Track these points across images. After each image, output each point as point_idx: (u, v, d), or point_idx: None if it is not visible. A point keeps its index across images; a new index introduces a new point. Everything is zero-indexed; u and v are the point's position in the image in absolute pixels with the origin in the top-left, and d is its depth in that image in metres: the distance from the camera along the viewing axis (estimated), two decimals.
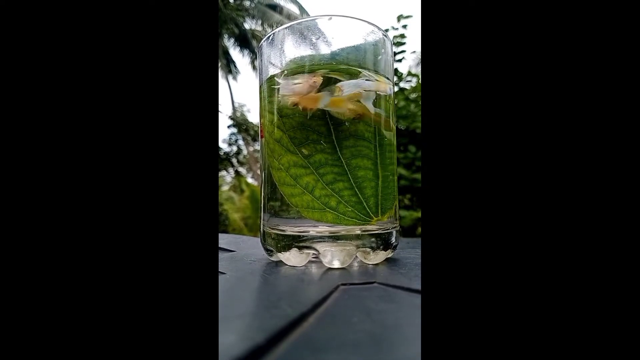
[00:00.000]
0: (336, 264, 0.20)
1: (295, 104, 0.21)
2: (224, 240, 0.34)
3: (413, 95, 1.43)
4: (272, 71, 0.23)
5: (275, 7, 7.26)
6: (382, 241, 0.22)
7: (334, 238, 0.21)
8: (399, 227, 0.24)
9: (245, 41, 6.99)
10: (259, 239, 0.25)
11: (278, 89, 0.22)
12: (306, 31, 0.22)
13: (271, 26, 6.76)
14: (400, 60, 1.47)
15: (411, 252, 0.26)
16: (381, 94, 0.23)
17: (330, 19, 0.22)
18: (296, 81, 0.21)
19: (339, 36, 0.22)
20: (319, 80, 0.21)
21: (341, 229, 0.21)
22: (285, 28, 0.23)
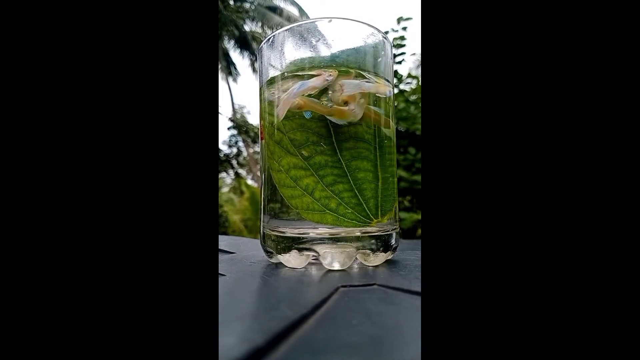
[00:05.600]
0: (336, 266, 0.20)
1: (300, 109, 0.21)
2: (223, 242, 0.34)
3: (413, 97, 1.43)
4: (272, 73, 0.23)
5: (275, 9, 7.28)
6: (382, 243, 0.22)
7: (334, 240, 0.21)
8: (398, 229, 0.24)
9: (245, 43, 7.01)
10: (258, 241, 0.25)
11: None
12: (306, 33, 0.22)
13: (271, 28, 6.78)
14: (400, 63, 1.47)
15: (411, 253, 0.26)
16: (381, 96, 0.23)
17: (330, 21, 0.22)
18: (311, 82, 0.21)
19: (339, 38, 0.22)
20: (334, 73, 0.21)
21: (341, 231, 0.21)
22: (285, 30, 0.23)
